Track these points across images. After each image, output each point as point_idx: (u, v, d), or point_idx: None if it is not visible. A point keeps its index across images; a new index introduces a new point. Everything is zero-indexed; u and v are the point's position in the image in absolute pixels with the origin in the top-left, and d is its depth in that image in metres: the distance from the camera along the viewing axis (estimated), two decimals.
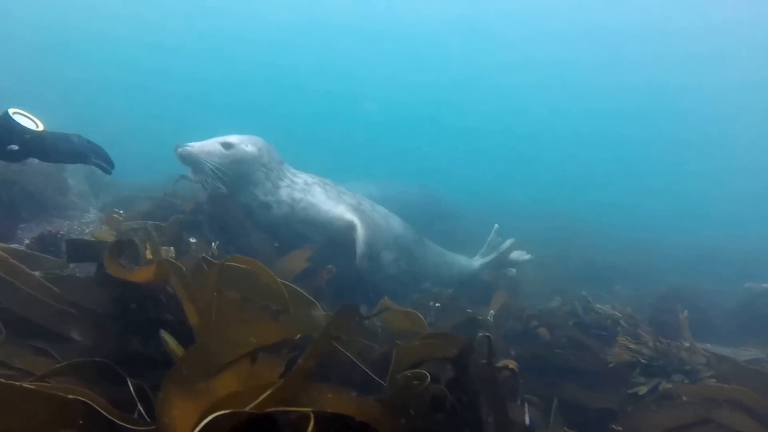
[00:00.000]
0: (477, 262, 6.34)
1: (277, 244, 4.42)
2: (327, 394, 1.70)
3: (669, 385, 3.46)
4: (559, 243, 9.43)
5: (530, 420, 2.26)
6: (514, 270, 6.37)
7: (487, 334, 2.15)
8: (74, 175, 5.64)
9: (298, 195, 4.57)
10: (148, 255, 2.91)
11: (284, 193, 4.56)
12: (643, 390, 3.48)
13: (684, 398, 3.33)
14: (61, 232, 3.85)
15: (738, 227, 17.09)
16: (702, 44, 29.60)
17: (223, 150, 4.41)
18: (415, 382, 1.73)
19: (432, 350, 2.05)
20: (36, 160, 3.15)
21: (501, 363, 2.18)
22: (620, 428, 3.23)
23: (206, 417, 1.49)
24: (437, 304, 4.34)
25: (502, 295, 4.72)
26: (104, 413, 1.65)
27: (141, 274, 2.45)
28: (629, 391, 3.47)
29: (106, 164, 3.33)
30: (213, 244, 3.88)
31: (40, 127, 3.07)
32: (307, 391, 1.73)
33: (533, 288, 6.14)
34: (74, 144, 3.26)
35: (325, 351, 2.05)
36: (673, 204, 23.84)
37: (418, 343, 2.11)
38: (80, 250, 3.02)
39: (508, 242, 6.30)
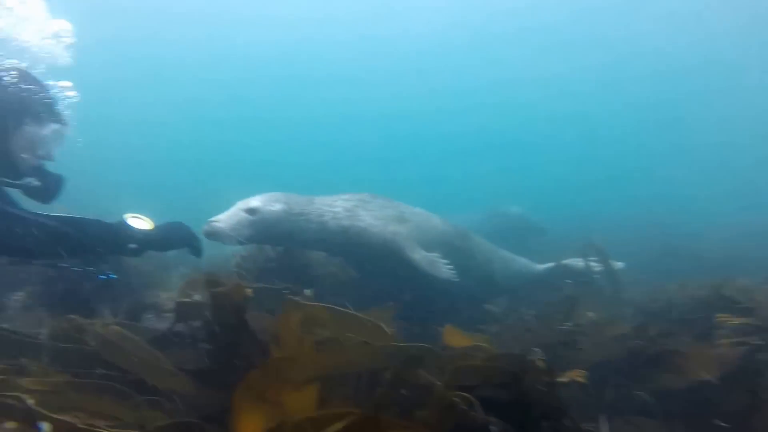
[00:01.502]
0: (540, 266, 6.17)
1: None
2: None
3: None
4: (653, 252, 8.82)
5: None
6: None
7: (537, 351, 2.07)
8: None
9: (345, 223, 4.68)
10: None
11: (332, 225, 4.65)
12: None
13: None
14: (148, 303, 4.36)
15: None
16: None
17: (250, 218, 4.41)
18: (463, 408, 1.71)
19: (486, 372, 1.98)
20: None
21: (565, 377, 2.06)
22: None
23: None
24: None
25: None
26: None
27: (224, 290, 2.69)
28: None
29: (200, 248, 3.91)
30: (306, 291, 4.00)
31: (150, 226, 3.67)
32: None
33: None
34: (179, 232, 3.86)
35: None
36: None
37: (472, 363, 2.03)
38: (185, 310, 3.42)
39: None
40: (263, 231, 4.45)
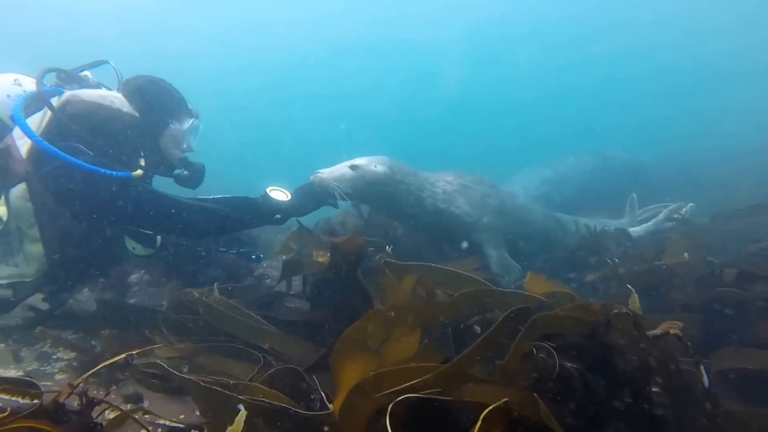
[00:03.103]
0: (635, 231, 6.16)
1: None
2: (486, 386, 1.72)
3: None
4: None
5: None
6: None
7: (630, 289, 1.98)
8: None
9: (441, 205, 4.69)
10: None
11: (428, 203, 4.67)
12: None
13: None
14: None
15: None
16: None
17: (352, 173, 4.47)
18: (541, 356, 1.73)
19: (564, 322, 1.97)
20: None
21: (659, 329, 1.96)
22: None
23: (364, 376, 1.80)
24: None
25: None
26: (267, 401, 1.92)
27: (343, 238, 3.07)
28: None
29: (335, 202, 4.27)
30: (388, 248, 4.22)
31: (289, 196, 4.02)
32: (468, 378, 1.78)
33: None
34: (314, 193, 4.23)
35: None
36: None
37: (551, 313, 2.02)
38: (291, 267, 4.06)
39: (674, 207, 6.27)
40: (361, 189, 4.51)
